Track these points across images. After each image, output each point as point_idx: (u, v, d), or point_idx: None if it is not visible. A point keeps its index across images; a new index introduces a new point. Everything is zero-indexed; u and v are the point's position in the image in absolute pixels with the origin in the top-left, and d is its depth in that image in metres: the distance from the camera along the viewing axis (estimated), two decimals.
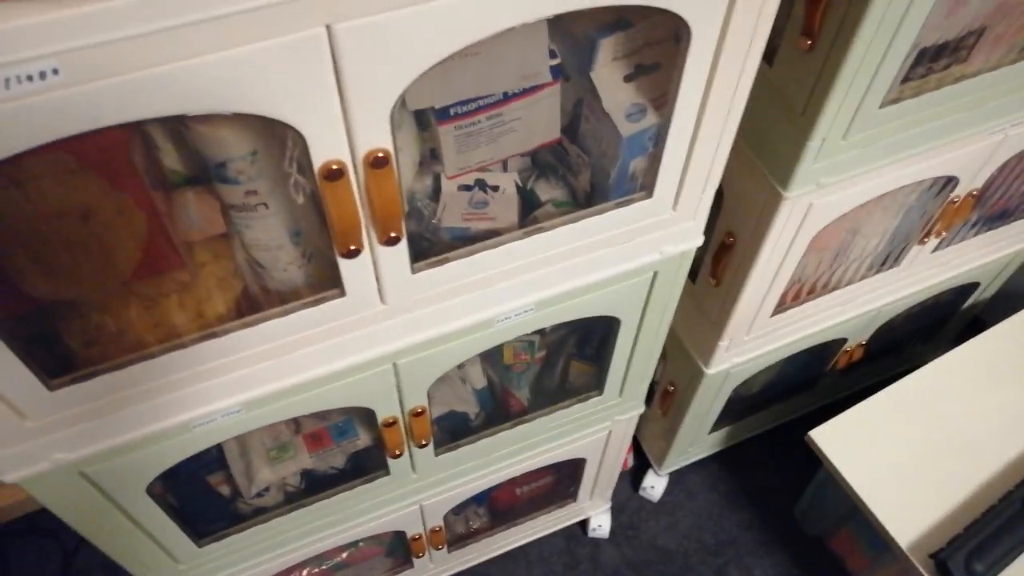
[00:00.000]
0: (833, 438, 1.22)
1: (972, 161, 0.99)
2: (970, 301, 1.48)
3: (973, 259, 1.29)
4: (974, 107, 0.90)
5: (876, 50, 0.73)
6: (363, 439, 0.95)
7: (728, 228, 0.99)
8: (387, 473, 0.98)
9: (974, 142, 0.96)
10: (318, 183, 0.56)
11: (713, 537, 1.50)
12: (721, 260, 1.03)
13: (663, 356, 1.32)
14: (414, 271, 0.68)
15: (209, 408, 0.71)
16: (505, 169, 0.79)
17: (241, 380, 0.71)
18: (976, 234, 1.23)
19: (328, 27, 0.47)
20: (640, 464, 1.56)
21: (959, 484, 1.18)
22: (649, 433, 1.50)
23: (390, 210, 0.60)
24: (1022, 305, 1.36)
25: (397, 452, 0.93)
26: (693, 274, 1.13)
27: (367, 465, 0.99)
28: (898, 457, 1.21)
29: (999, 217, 1.23)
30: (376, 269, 0.66)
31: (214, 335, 0.66)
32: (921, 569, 1.11)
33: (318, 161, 0.54)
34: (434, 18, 0.48)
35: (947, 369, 1.29)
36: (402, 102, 0.61)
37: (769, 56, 0.82)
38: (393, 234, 0.62)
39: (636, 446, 1.57)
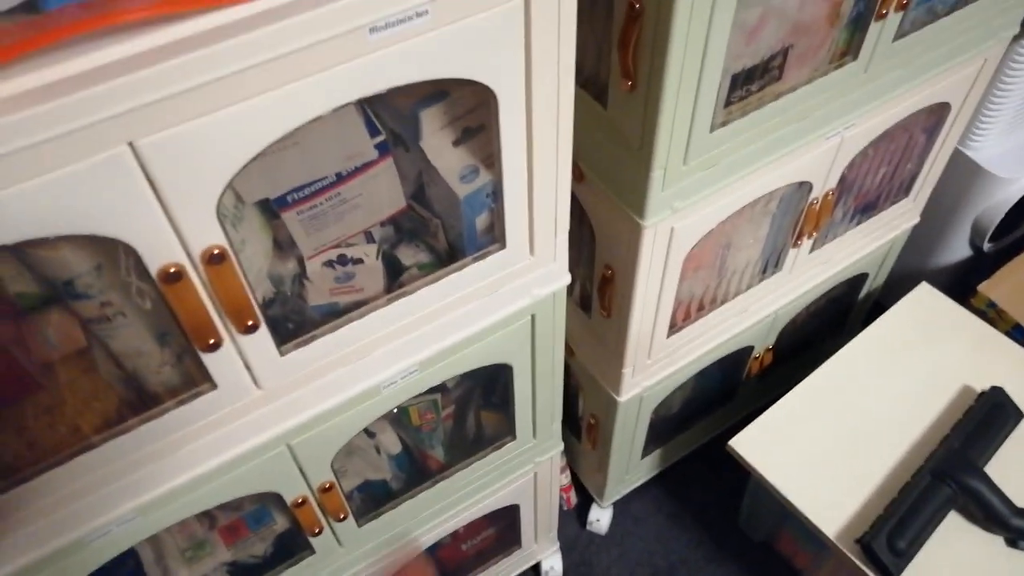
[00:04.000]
0: (752, 444, 1.26)
1: (818, 165, 1.06)
2: (864, 291, 1.55)
3: (853, 252, 1.36)
4: (803, 117, 0.96)
5: (689, 81, 0.79)
6: (280, 523, 0.95)
7: (605, 262, 1.04)
8: (312, 552, 0.98)
9: (814, 148, 1.03)
10: (159, 287, 0.58)
11: (664, 560, 1.52)
12: (605, 292, 1.07)
13: (581, 391, 1.36)
14: (282, 353, 0.70)
15: (101, 520, 0.71)
16: (372, 239, 0.82)
17: (131, 486, 0.71)
18: (848, 229, 1.31)
19: (131, 144, 0.50)
20: (584, 500, 1.58)
21: (876, 466, 1.22)
22: (585, 468, 1.53)
23: (239, 302, 0.62)
24: (914, 285, 1.43)
25: (316, 530, 0.94)
26: (588, 308, 1.17)
27: (291, 547, 0.99)
28: (816, 451, 1.25)
29: (866, 210, 1.31)
30: (243, 357, 0.68)
31: (91, 447, 0.67)
32: (850, 555, 1.14)
33: (153, 267, 0.57)
34: (232, 122, 0.52)
35: (850, 358, 1.35)
36: (237, 197, 0.65)
37: (602, 98, 0.88)
38: (250, 323, 0.64)
39: (577, 483, 1.59)
